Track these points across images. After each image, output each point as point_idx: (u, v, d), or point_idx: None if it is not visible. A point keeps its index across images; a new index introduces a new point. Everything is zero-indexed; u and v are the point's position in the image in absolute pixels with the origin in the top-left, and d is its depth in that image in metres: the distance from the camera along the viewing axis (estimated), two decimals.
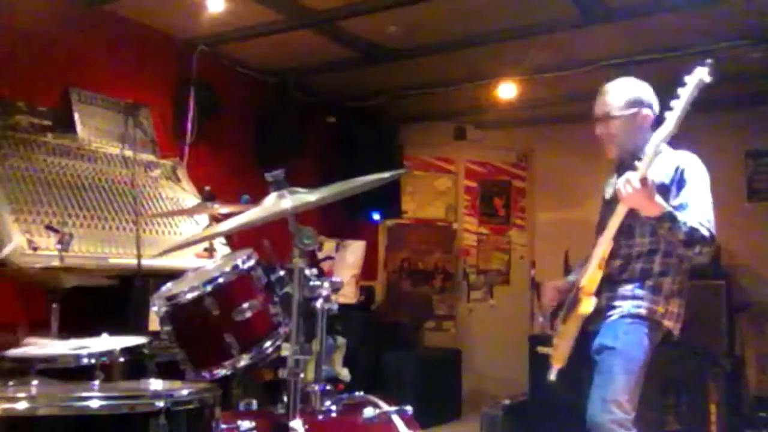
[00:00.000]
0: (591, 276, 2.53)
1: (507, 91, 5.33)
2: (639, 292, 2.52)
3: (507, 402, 4.34)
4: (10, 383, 1.93)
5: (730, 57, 4.22)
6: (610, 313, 2.53)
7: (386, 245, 6.53)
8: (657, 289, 2.52)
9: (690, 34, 4.19)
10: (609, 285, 2.55)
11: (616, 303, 2.53)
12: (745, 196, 5.40)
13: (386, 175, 2.01)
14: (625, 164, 2.60)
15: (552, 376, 2.63)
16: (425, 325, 6.25)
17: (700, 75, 2.30)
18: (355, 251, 5.36)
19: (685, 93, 2.31)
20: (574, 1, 3.87)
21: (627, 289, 2.53)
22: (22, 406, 1.48)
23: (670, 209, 2.36)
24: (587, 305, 2.48)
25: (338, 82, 5.48)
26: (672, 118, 2.32)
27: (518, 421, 4.32)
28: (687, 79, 2.32)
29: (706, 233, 2.37)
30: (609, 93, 2.64)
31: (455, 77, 5.20)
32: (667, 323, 2.52)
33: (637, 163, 2.37)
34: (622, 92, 2.63)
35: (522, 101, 5.51)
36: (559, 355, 2.60)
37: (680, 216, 2.37)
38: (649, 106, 2.62)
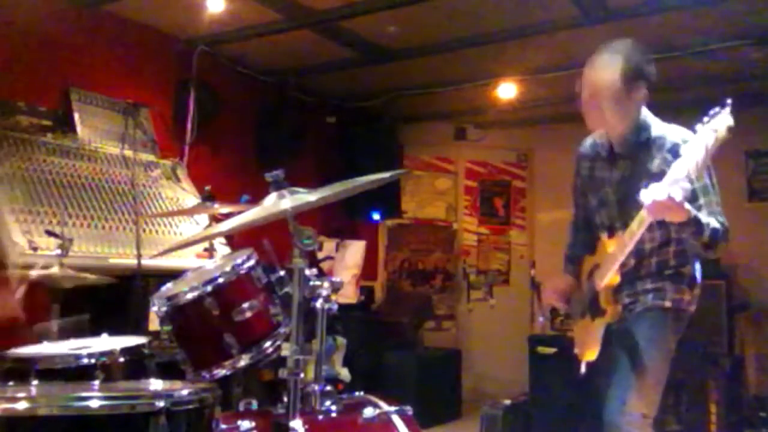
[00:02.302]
0: (610, 278, 2.44)
1: (507, 91, 5.33)
2: (660, 283, 2.45)
3: (507, 402, 4.34)
4: (10, 383, 1.93)
5: (730, 57, 4.22)
6: (632, 306, 2.47)
7: (386, 245, 6.53)
8: (678, 277, 2.45)
9: (690, 34, 4.19)
10: (627, 283, 2.50)
11: (639, 297, 2.47)
12: (746, 196, 5.40)
13: (386, 175, 2.01)
14: (621, 151, 2.49)
15: (583, 369, 2.53)
16: (425, 325, 6.24)
17: (727, 122, 1.96)
18: (355, 251, 5.36)
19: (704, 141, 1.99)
20: (574, 1, 3.87)
21: (647, 282, 2.47)
22: (22, 406, 1.48)
23: (695, 213, 2.20)
24: (613, 315, 2.41)
25: (338, 82, 5.48)
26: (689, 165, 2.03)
27: (518, 421, 4.31)
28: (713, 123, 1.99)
29: (724, 232, 2.25)
30: (604, 61, 2.38)
31: (455, 77, 5.20)
32: (694, 309, 2.47)
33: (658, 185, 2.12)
34: (620, 62, 2.34)
35: (522, 101, 5.51)
36: (589, 350, 2.50)
37: (703, 218, 2.22)
38: (647, 80, 2.40)
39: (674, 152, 2.25)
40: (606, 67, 2.38)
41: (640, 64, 2.38)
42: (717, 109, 2.00)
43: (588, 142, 2.68)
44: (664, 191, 2.06)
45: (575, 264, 2.73)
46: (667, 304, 2.43)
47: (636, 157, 2.44)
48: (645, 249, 2.49)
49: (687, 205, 2.18)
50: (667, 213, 2.17)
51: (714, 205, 2.31)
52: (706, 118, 2.01)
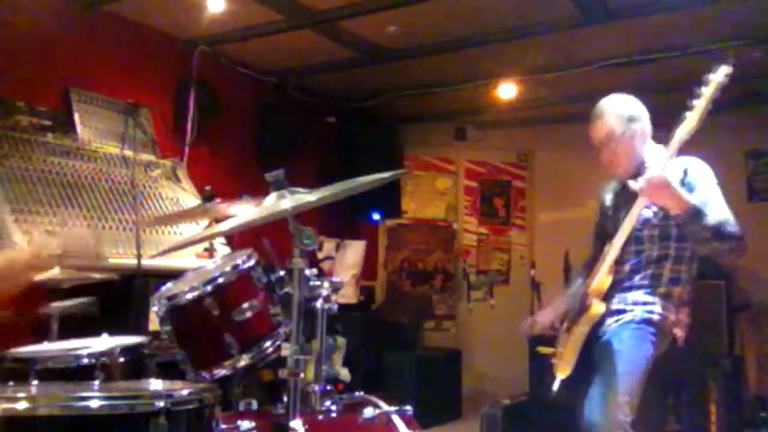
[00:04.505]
0: (600, 279, 2.51)
1: (507, 91, 5.33)
2: (650, 298, 2.50)
3: (507, 402, 4.33)
4: (10, 383, 1.92)
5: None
6: (619, 318, 2.51)
7: (386, 245, 6.53)
8: (668, 297, 2.51)
9: (690, 34, 4.19)
10: (619, 291, 2.54)
11: (627, 308, 2.51)
12: (745, 196, 5.40)
13: (386, 175, 2.01)
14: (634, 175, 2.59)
15: (555, 387, 2.60)
16: (425, 325, 6.24)
17: (725, 72, 2.27)
18: (355, 251, 5.36)
19: (708, 91, 2.28)
20: (574, 1, 3.87)
21: (638, 295, 2.52)
22: (22, 406, 1.48)
23: (696, 203, 2.33)
24: (597, 309, 2.47)
25: (338, 82, 5.48)
26: (695, 115, 2.28)
27: (518, 421, 4.31)
28: (711, 77, 2.29)
29: (735, 229, 2.36)
30: (606, 114, 2.60)
31: (455, 77, 5.20)
32: (677, 331, 2.52)
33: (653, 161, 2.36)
34: (620, 110, 2.60)
35: (522, 101, 5.51)
36: (563, 364, 2.58)
37: (706, 209, 2.34)
38: (645, 120, 2.62)
39: (685, 173, 2.47)
40: (607, 113, 2.60)
41: (634, 107, 2.62)
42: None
43: (608, 184, 2.84)
44: (657, 170, 2.28)
45: (573, 295, 2.77)
46: (655, 318, 2.48)
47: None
48: (642, 259, 2.54)
49: (682, 191, 2.33)
50: (662, 194, 2.32)
51: (723, 207, 2.41)
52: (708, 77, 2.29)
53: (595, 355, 2.51)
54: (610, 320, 2.53)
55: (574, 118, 5.75)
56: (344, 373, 4.43)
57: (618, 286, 2.55)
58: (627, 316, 2.50)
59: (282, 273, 2.11)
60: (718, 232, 2.34)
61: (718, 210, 2.38)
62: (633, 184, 2.35)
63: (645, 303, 2.50)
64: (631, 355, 2.42)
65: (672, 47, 4.33)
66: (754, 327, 5.11)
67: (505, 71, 5.04)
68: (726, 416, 4.21)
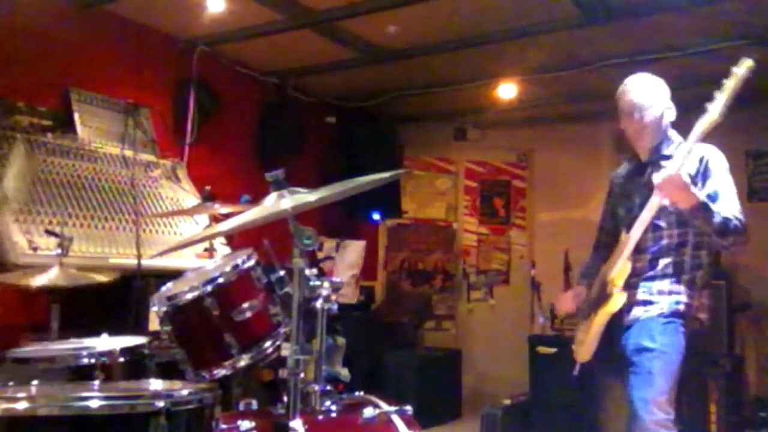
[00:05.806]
0: (620, 269, 2.51)
1: (507, 91, 5.33)
2: (676, 287, 2.51)
3: (507, 402, 4.34)
4: (10, 383, 1.92)
5: (730, 57, 4.21)
6: (646, 309, 2.51)
7: (386, 245, 6.53)
8: (692, 283, 2.53)
9: (690, 34, 4.19)
10: (643, 280, 2.55)
11: (654, 299, 2.52)
12: (745, 196, 5.40)
13: (386, 175, 2.01)
14: (648, 159, 2.61)
15: (576, 371, 2.61)
16: (425, 325, 6.24)
17: (748, 65, 2.30)
18: (355, 251, 5.36)
19: (731, 83, 2.30)
20: (575, 1, 3.86)
21: (664, 284, 2.53)
22: (22, 406, 1.48)
23: (704, 199, 2.36)
24: (618, 301, 2.47)
25: (338, 82, 5.48)
26: (716, 107, 2.30)
27: (518, 421, 4.31)
28: (735, 69, 2.32)
29: (738, 224, 2.40)
30: (643, 86, 2.62)
31: (455, 77, 5.20)
32: (702, 315, 2.54)
33: (671, 161, 2.38)
34: (657, 87, 2.63)
35: (522, 101, 5.51)
36: (584, 350, 2.58)
37: (713, 206, 2.37)
38: (672, 107, 2.65)
39: (700, 161, 2.51)
40: (645, 85, 2.62)
41: (664, 88, 2.65)
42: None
43: (619, 167, 2.86)
44: (676, 167, 2.30)
45: (588, 278, 2.77)
46: (682, 308, 2.50)
47: (661, 165, 2.52)
48: (662, 247, 2.54)
49: (695, 190, 2.36)
50: (677, 192, 2.34)
51: (731, 200, 2.47)
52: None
53: (626, 348, 2.50)
54: (637, 310, 2.53)
55: (574, 118, 5.75)
56: (344, 373, 4.43)
57: (641, 274, 2.55)
58: (655, 309, 2.50)
59: (282, 273, 2.11)
60: (720, 229, 2.38)
61: (726, 204, 2.43)
62: (655, 178, 2.37)
63: (671, 293, 2.51)
64: (665, 353, 2.43)
65: (672, 47, 4.33)
66: (754, 327, 5.11)
67: (505, 71, 5.04)
68: (726, 416, 4.22)
